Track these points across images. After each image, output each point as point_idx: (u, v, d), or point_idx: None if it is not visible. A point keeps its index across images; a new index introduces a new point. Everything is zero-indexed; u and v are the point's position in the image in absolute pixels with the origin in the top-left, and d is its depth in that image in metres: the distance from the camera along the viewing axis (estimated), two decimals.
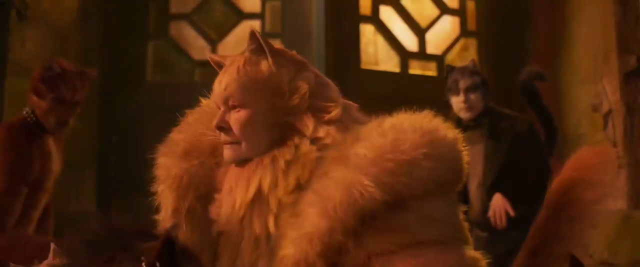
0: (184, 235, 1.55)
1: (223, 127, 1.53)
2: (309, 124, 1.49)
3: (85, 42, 4.28)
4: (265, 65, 1.52)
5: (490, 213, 2.69)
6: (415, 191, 1.37)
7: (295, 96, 1.51)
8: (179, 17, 4.65)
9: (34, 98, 2.38)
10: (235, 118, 1.52)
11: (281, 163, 1.46)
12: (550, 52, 4.60)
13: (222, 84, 1.55)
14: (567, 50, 4.46)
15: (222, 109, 1.54)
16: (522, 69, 3.03)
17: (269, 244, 1.46)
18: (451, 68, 2.85)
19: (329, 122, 1.50)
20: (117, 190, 4.40)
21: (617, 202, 3.96)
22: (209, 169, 1.58)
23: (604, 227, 3.94)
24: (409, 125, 1.42)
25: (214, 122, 1.53)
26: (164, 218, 1.57)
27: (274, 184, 1.45)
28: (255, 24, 4.62)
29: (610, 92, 3.94)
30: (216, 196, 1.56)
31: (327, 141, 1.47)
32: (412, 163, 1.37)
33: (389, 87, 4.38)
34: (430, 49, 4.71)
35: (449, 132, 1.45)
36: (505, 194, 2.71)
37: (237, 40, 4.62)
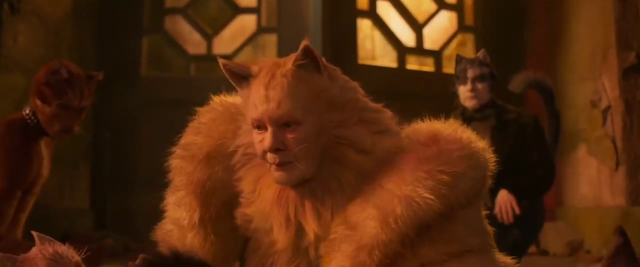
0: (210, 243, 1.50)
1: (280, 148, 1.43)
2: (364, 138, 1.45)
3: (79, 37, 4.23)
4: (319, 79, 1.45)
5: (497, 209, 2.66)
6: (462, 201, 1.43)
7: (348, 109, 1.46)
8: (174, 11, 4.61)
9: (38, 102, 2.22)
10: (293, 137, 1.43)
11: (347, 189, 1.44)
12: (549, 49, 4.57)
13: (272, 101, 1.42)
14: (565, 46, 4.44)
15: (272, 128, 1.43)
16: (515, 81, 3.00)
17: (311, 254, 1.46)
18: (460, 58, 2.81)
19: (381, 133, 1.47)
20: (112, 186, 4.37)
21: (616, 199, 3.94)
22: (231, 173, 1.51)
23: (602, 224, 3.93)
24: (449, 136, 1.47)
25: (268, 145, 1.42)
26: (188, 225, 1.51)
27: (339, 211, 1.44)
28: (251, 19, 4.58)
29: (609, 88, 3.91)
30: (241, 200, 1.50)
31: (379, 152, 1.45)
32: (462, 175, 1.43)
33: (386, 83, 4.34)
34: (428, 45, 4.69)
35: (479, 142, 1.50)
36: (509, 189, 2.68)
37: (232, 34, 4.59)
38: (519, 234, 2.69)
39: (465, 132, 1.49)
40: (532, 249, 3.99)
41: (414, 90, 4.38)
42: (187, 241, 1.52)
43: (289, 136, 1.43)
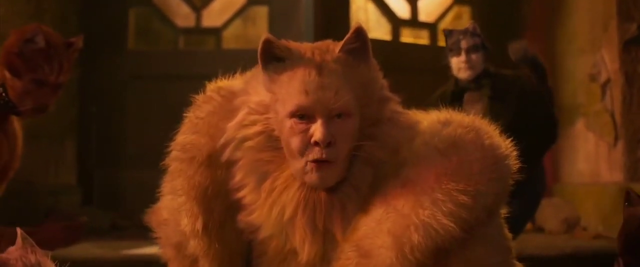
0: (214, 250, 1.40)
1: (331, 143, 1.30)
2: (394, 139, 1.35)
3: (63, 8, 4.11)
4: (365, 68, 1.36)
5: None
6: (483, 219, 1.33)
7: (382, 107, 1.36)
8: None
9: (7, 74, 1.93)
10: (341, 131, 1.30)
11: (365, 193, 1.33)
12: (547, 20, 4.49)
13: (328, 89, 1.30)
14: (564, 17, 4.35)
15: (324, 119, 1.30)
16: (514, 48, 2.95)
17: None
18: (450, 31, 2.82)
19: (407, 137, 1.36)
20: (98, 162, 4.30)
21: (614, 175, 3.88)
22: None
23: (599, 200, 3.87)
24: (470, 142, 1.35)
25: (321, 138, 1.29)
26: (190, 233, 1.40)
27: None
28: None
29: (609, 61, 3.84)
30: (244, 204, 1.37)
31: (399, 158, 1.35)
32: (483, 193, 1.32)
33: (380, 56, 4.21)
34: (423, 17, 4.59)
35: (504, 145, 1.40)
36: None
37: (222, 7, 4.48)
38: (519, 206, 2.67)
39: (488, 135, 1.38)
40: (528, 226, 3.94)
41: (409, 63, 4.30)
42: (190, 247, 1.41)
43: (337, 129, 1.31)
